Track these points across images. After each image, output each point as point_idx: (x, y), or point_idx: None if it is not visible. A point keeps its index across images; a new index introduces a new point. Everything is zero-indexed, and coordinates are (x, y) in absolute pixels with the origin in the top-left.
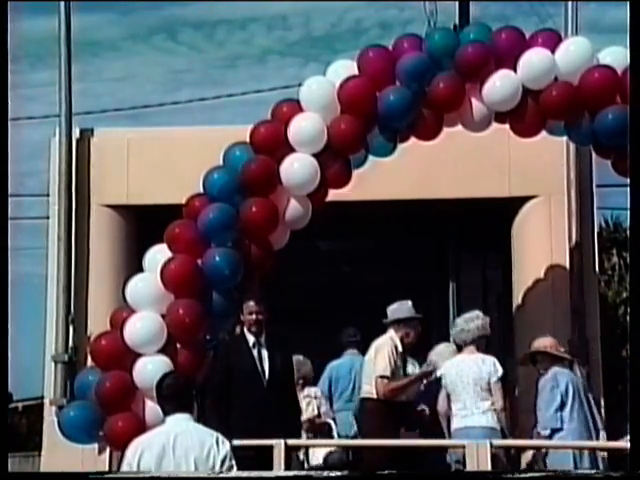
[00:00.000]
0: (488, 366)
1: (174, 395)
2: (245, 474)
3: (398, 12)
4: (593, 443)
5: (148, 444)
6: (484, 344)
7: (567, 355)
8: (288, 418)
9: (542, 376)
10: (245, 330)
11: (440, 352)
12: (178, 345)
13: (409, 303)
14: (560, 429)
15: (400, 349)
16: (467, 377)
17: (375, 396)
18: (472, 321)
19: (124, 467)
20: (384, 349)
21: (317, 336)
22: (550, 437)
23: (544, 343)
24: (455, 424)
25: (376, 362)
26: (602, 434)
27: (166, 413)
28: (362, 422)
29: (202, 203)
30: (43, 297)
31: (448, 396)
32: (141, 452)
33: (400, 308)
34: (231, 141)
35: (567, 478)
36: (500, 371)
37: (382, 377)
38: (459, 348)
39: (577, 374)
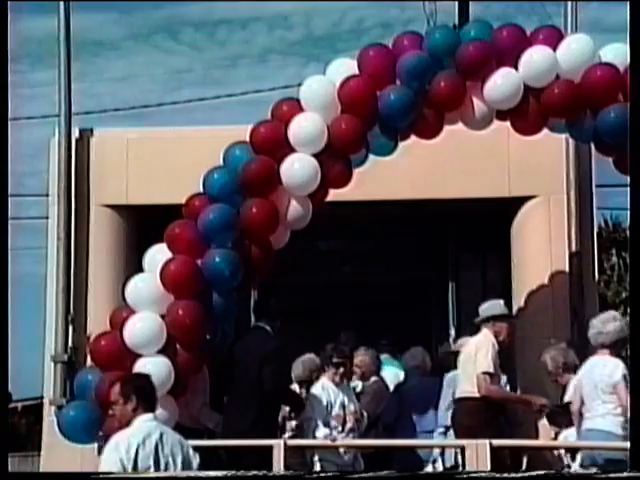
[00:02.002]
0: (609, 369)
1: (148, 395)
2: (244, 474)
3: (399, 12)
4: (593, 443)
5: (142, 439)
6: (622, 346)
7: None
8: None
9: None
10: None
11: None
12: (178, 346)
13: (501, 301)
14: (450, 427)
15: (496, 347)
16: (591, 379)
17: (475, 395)
18: (609, 322)
19: (116, 461)
20: (485, 347)
21: (317, 336)
22: (445, 434)
23: (459, 342)
24: (582, 425)
25: (477, 360)
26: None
27: (136, 412)
28: (461, 422)
29: (202, 203)
30: (43, 297)
31: (582, 397)
32: (137, 446)
33: (492, 306)
34: (231, 141)
35: (567, 478)
36: (619, 374)
37: (485, 373)
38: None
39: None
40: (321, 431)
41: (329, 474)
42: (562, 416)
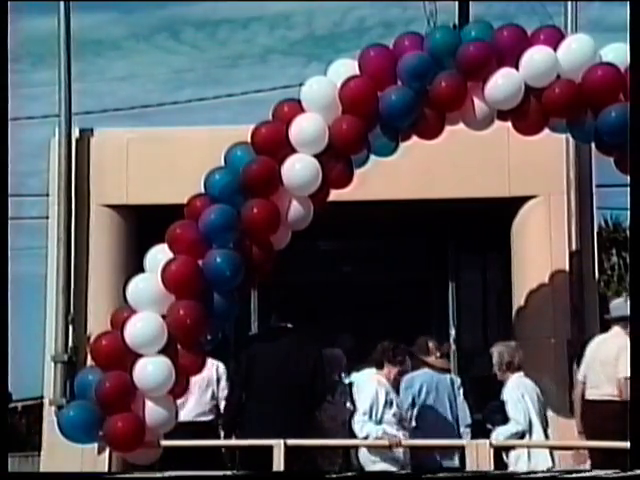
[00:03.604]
0: None
1: None
2: (245, 474)
3: (401, 11)
4: (593, 443)
5: None
6: None
7: (436, 363)
8: None
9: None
10: None
11: None
12: (178, 346)
13: None
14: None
15: None
16: None
17: (618, 398)
18: None
19: None
20: (626, 349)
21: (316, 336)
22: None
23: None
24: None
25: (619, 363)
26: (465, 431)
27: None
28: (602, 426)
29: (203, 204)
30: (43, 297)
31: None
32: None
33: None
34: (232, 141)
35: (567, 478)
36: None
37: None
38: None
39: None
40: (388, 430)
41: (329, 475)
42: (497, 413)
